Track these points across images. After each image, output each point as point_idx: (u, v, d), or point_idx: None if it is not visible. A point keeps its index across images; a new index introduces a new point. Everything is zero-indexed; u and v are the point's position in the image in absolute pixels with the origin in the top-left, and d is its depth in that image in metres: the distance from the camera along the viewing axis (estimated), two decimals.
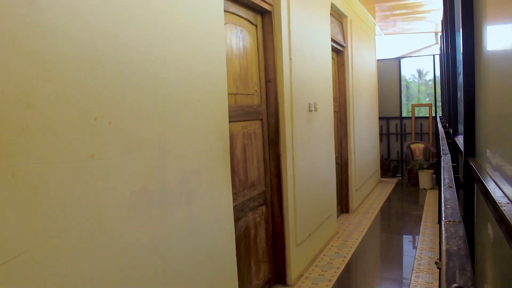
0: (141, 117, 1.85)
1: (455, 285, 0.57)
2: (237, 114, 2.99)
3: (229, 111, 2.69)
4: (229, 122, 2.68)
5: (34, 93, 1.39)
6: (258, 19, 3.36)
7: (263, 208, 3.43)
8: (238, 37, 3.06)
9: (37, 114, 1.40)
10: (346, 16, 5.77)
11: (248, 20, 3.21)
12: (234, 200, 2.90)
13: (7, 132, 1.31)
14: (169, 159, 2.03)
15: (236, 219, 2.92)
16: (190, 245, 2.18)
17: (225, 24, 2.81)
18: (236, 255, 2.70)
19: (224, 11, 2.72)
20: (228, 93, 2.82)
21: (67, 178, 1.50)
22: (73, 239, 1.51)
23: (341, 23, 5.79)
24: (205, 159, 2.33)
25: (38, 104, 1.40)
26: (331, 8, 5.03)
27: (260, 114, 3.38)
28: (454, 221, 0.92)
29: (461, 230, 0.84)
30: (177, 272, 2.08)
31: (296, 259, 3.73)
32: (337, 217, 5.58)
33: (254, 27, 3.32)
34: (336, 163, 5.54)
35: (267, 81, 3.47)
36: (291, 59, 3.60)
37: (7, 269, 1.29)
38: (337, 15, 5.60)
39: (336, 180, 5.36)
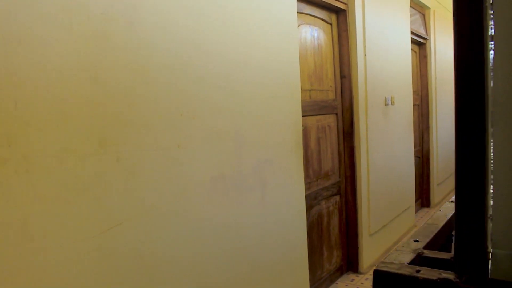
0: (220, 113, 2.14)
1: None
2: (311, 109, 3.21)
3: (304, 106, 2.92)
4: (304, 116, 2.91)
5: (134, 94, 1.72)
6: (333, 18, 3.54)
7: (337, 197, 3.61)
8: (313, 36, 3.26)
9: (136, 111, 1.74)
10: (428, 8, 5.69)
11: (323, 20, 3.39)
12: (307, 189, 3.13)
13: (114, 125, 1.65)
14: (245, 149, 2.31)
15: (309, 207, 3.15)
16: (263, 226, 2.45)
17: (300, 25, 3.03)
18: (308, 240, 2.93)
19: (299, 12, 2.95)
20: (303, 89, 3.05)
21: (158, 163, 1.83)
22: (161, 213, 1.84)
23: (423, 15, 5.72)
24: (278, 150, 2.58)
25: (137, 103, 1.74)
26: (412, 0, 5.03)
27: (335, 109, 3.56)
28: None
29: None
30: (249, 250, 2.36)
31: (368, 249, 3.87)
32: (417, 211, 5.57)
33: (329, 26, 3.49)
34: (417, 156, 5.53)
35: (342, 76, 3.63)
36: (365, 55, 3.72)
37: (111, 234, 1.64)
38: (419, 7, 5.55)
39: (416, 173, 5.35)
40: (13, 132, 1.38)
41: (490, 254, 0.64)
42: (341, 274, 3.72)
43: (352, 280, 3.68)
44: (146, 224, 1.78)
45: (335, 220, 3.58)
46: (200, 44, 2.02)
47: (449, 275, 0.62)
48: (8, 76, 1.36)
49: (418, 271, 0.65)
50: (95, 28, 1.59)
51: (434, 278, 0.62)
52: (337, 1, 3.42)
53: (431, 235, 0.80)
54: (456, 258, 0.64)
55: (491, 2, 0.62)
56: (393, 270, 0.66)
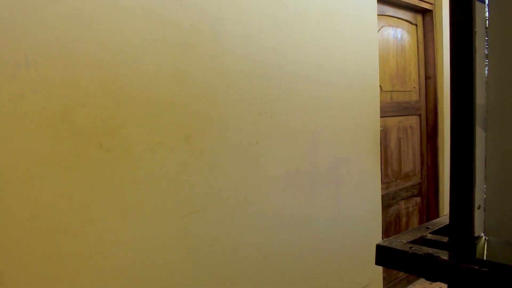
0: (297, 113, 2.30)
1: None
2: (392, 110, 3.25)
3: (384, 107, 2.98)
4: (384, 117, 2.98)
5: (217, 96, 1.95)
6: (418, 19, 3.53)
7: (417, 199, 3.60)
8: (396, 38, 3.29)
9: (219, 111, 1.96)
10: None
11: (407, 21, 3.41)
12: (385, 188, 3.18)
13: (199, 123, 1.89)
14: (320, 147, 2.45)
15: (386, 206, 3.20)
16: (336, 221, 2.57)
17: (382, 27, 3.09)
18: (384, 238, 2.99)
19: (382, 15, 3.01)
20: (384, 90, 3.11)
21: (238, 157, 2.04)
22: (239, 202, 2.05)
23: None
24: (355, 149, 2.69)
25: (219, 104, 1.97)
26: None
27: (418, 110, 3.55)
28: None
29: None
30: (320, 243, 2.50)
31: None
32: None
33: (414, 27, 3.50)
34: None
35: (426, 77, 3.61)
36: None
37: (193, 217, 1.88)
38: None
39: None
40: (116, 127, 1.67)
41: (483, 240, 0.74)
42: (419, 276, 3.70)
43: (431, 283, 3.65)
44: (225, 210, 2.00)
45: (414, 221, 3.58)
46: (279, 49, 2.20)
47: (434, 251, 0.73)
48: (113, 82, 1.65)
49: (410, 248, 0.76)
50: (185, 39, 1.83)
51: (420, 253, 0.73)
52: (423, 2, 3.41)
53: (443, 224, 0.89)
54: (449, 241, 0.75)
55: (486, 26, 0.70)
56: (389, 245, 0.78)
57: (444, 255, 0.72)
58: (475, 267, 0.66)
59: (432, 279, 0.72)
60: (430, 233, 0.83)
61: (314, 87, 2.40)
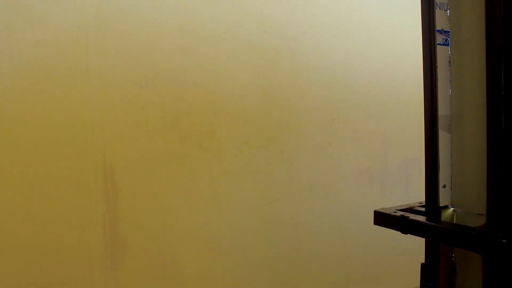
0: (368, 117, 2.58)
1: None
2: None
3: None
4: None
5: (294, 105, 2.31)
6: None
7: None
8: None
9: (296, 117, 2.33)
10: None
11: None
12: None
13: (279, 127, 2.27)
14: (391, 148, 2.70)
15: None
16: None
17: None
18: None
19: None
20: None
21: (312, 156, 2.39)
22: (314, 194, 2.39)
23: None
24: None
25: (297, 111, 2.32)
26: None
27: None
28: None
29: None
30: (390, 237, 2.74)
31: None
32: None
33: None
34: None
35: None
36: None
37: (274, 205, 2.26)
38: None
39: None
40: (212, 131, 2.11)
41: (451, 210, 1.02)
42: None
43: None
44: (301, 201, 2.36)
45: None
46: (350, 60, 2.50)
47: (409, 215, 1.01)
48: (210, 96, 2.09)
49: (394, 212, 1.04)
50: (267, 59, 2.22)
51: (397, 215, 1.02)
52: None
53: None
54: (425, 209, 1.03)
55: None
56: (381, 211, 1.07)
57: (414, 217, 1.01)
58: (430, 223, 0.95)
59: (404, 232, 1.02)
60: (418, 206, 1.12)
61: (383, 92, 2.66)
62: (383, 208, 1.14)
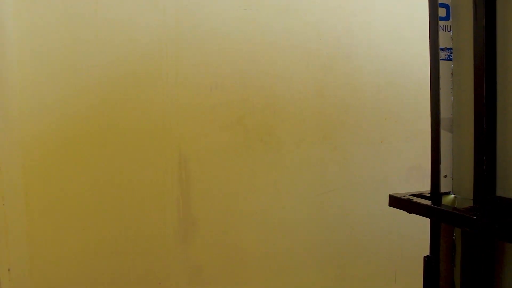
0: (420, 117, 2.72)
1: None
2: None
3: None
4: None
5: (348, 105, 2.53)
6: None
7: None
8: None
9: (349, 117, 2.54)
10: None
11: None
12: None
13: (333, 125, 2.50)
14: None
15: None
16: None
17: None
18: None
19: None
20: None
21: (365, 153, 2.59)
22: (365, 189, 2.59)
23: None
24: None
25: (350, 111, 2.54)
26: None
27: None
28: None
29: None
30: None
31: None
32: None
33: None
34: None
35: None
36: None
37: (327, 195, 2.50)
38: None
39: None
40: (272, 127, 2.39)
41: (452, 196, 1.20)
42: None
43: None
44: (352, 193, 2.57)
45: None
46: (403, 62, 2.65)
47: (415, 198, 1.21)
48: (271, 97, 2.37)
49: (404, 196, 1.24)
50: (323, 63, 2.46)
51: (405, 198, 1.22)
52: None
53: None
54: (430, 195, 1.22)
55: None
56: (394, 195, 1.27)
57: (417, 200, 1.21)
58: (425, 204, 1.15)
59: (408, 211, 1.22)
60: (427, 193, 1.31)
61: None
62: (397, 193, 1.35)
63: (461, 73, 1.16)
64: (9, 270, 1.80)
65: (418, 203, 1.16)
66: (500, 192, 1.07)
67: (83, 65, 2.15)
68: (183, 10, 2.27)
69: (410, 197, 1.24)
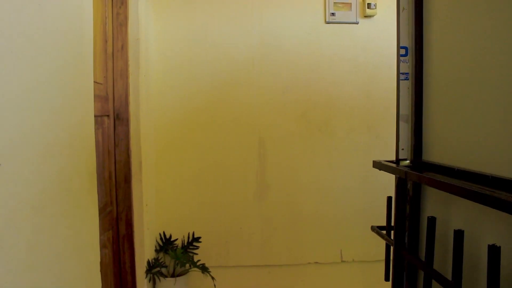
0: None
1: None
2: None
3: None
4: None
5: (388, 104, 3.18)
6: None
7: None
8: None
9: (389, 113, 3.18)
10: None
11: None
12: None
13: (377, 119, 3.18)
14: None
15: None
16: None
17: None
18: None
19: None
20: None
21: None
22: None
23: None
24: None
25: (390, 109, 3.18)
26: None
27: None
28: None
29: None
30: None
31: None
32: None
33: None
34: None
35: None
36: None
37: (370, 173, 3.19)
38: None
39: None
40: (328, 119, 3.15)
41: (408, 161, 1.87)
42: None
43: None
44: None
45: None
46: None
47: (387, 163, 1.88)
48: (328, 98, 3.14)
49: (385, 161, 1.91)
50: (369, 72, 3.16)
51: (383, 162, 1.89)
52: None
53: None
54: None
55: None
56: (376, 161, 1.94)
57: (385, 163, 1.90)
58: (387, 163, 1.84)
59: (379, 169, 1.90)
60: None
61: None
62: (378, 160, 2.04)
63: (411, 88, 1.84)
64: (146, 205, 2.83)
65: (386, 165, 1.86)
66: (424, 158, 1.75)
67: (198, 75, 3.13)
68: (265, 35, 3.14)
69: (383, 162, 1.93)
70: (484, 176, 1.27)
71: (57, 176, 1.18)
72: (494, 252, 1.05)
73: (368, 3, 3.17)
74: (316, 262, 3.24)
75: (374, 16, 3.19)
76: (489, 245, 1.06)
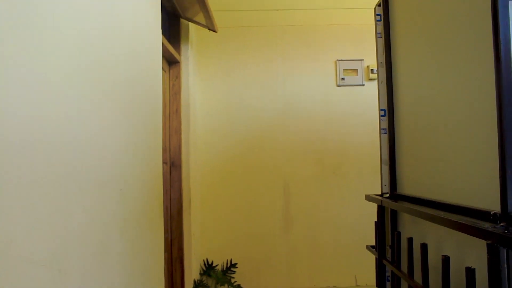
0: None
1: None
2: None
3: None
4: None
5: None
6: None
7: None
8: None
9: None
10: None
11: None
12: None
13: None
14: None
15: None
16: None
17: None
18: None
19: None
20: None
21: None
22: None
23: None
24: None
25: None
26: None
27: None
28: None
29: None
30: None
31: None
32: None
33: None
34: None
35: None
36: None
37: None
38: None
39: None
40: (341, 164, 3.75)
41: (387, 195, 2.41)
42: None
43: None
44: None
45: None
46: None
47: (375, 196, 2.42)
48: (340, 145, 3.76)
49: (375, 195, 2.44)
50: (374, 126, 3.76)
51: (370, 195, 2.43)
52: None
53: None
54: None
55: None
56: (367, 195, 2.48)
57: (373, 196, 2.45)
58: (378, 197, 2.40)
59: (368, 200, 2.45)
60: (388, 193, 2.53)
61: None
62: (369, 194, 2.60)
63: (387, 139, 2.45)
64: (193, 234, 3.47)
65: (371, 197, 2.44)
66: (398, 190, 2.33)
67: (234, 130, 3.83)
68: (288, 97, 3.83)
69: (371, 195, 2.51)
70: (437, 203, 1.83)
71: (144, 204, 1.86)
72: (445, 261, 1.63)
73: (371, 69, 3.83)
74: (334, 286, 3.74)
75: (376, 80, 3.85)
76: (442, 256, 1.64)
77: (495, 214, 1.25)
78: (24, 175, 0.94)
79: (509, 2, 1.29)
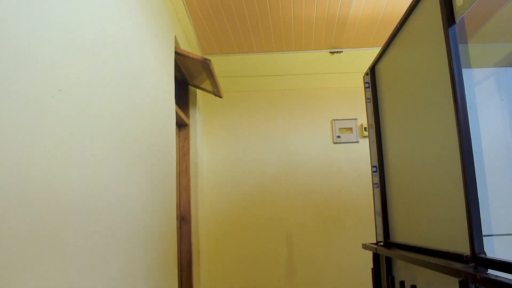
0: None
1: None
2: None
3: None
4: None
5: None
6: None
7: None
8: None
9: None
10: None
11: None
12: None
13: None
14: None
15: None
16: None
17: None
18: None
19: None
20: None
21: None
22: None
23: None
24: None
25: None
26: None
27: None
28: None
29: None
30: None
31: None
32: None
33: None
34: None
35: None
36: None
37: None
38: None
39: None
40: (339, 216, 3.95)
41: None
42: None
43: None
44: None
45: None
46: None
47: (371, 245, 2.60)
48: (338, 200, 3.98)
49: (371, 243, 2.62)
50: (369, 179, 4.00)
51: (366, 244, 2.60)
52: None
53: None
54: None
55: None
56: (364, 243, 2.65)
57: (369, 245, 2.63)
58: (373, 245, 2.58)
59: (368, 249, 2.62)
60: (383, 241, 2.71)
61: None
62: (367, 243, 2.79)
63: (379, 193, 2.68)
64: (202, 285, 3.61)
65: (367, 245, 2.63)
66: (391, 239, 2.53)
67: (239, 185, 4.06)
68: (288, 153, 4.10)
69: (367, 244, 2.70)
70: (422, 248, 2.04)
71: (162, 255, 2.07)
72: None
73: (364, 127, 4.12)
74: None
75: None
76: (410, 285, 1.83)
77: (466, 256, 1.46)
78: (82, 232, 1.18)
79: (462, 69, 1.57)
